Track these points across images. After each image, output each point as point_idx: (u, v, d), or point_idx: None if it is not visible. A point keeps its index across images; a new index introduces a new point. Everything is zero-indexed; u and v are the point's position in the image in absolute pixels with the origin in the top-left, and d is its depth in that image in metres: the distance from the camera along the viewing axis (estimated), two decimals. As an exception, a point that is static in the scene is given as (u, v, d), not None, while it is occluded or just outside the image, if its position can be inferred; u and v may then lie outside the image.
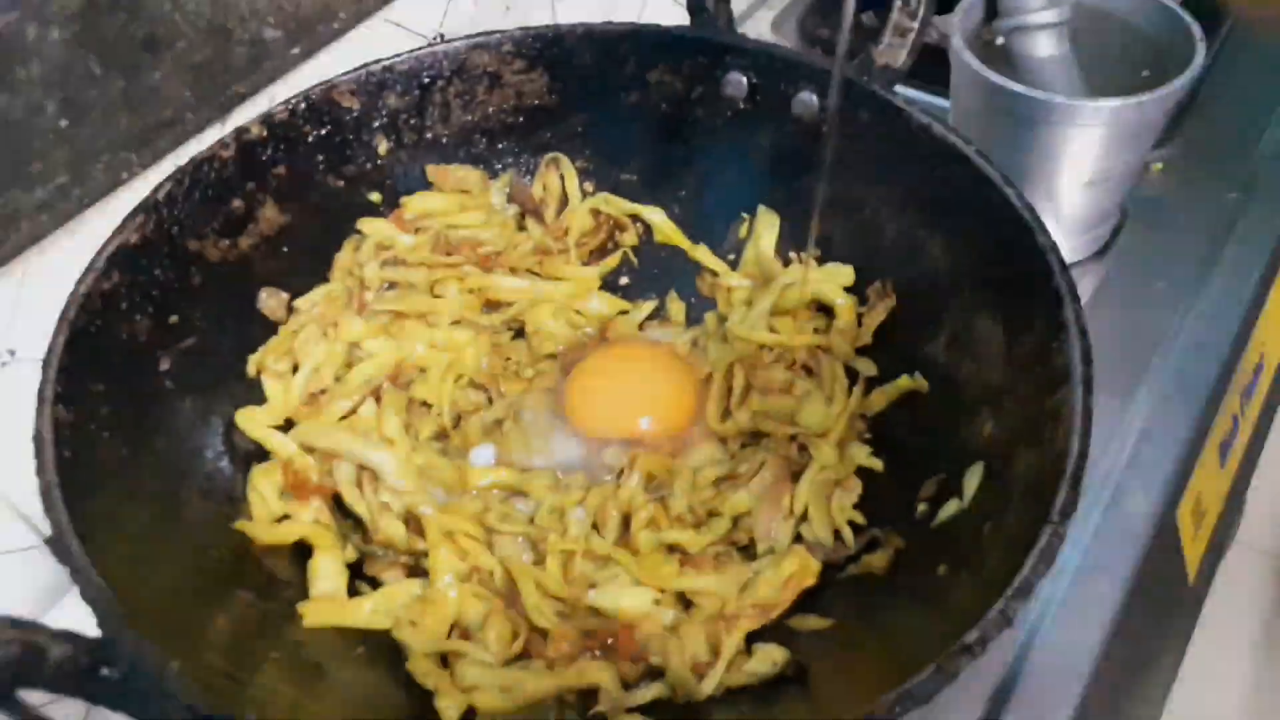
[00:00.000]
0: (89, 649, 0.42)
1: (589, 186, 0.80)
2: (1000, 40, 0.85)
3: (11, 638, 0.41)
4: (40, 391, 0.53)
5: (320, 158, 0.72)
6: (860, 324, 0.70)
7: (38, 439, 0.51)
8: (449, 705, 0.54)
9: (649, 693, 0.55)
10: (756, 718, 0.53)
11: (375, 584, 0.62)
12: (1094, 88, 0.85)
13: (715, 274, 0.78)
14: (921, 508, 0.60)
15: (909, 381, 0.66)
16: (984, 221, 0.62)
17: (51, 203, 0.72)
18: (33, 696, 0.41)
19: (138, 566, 0.50)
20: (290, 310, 0.70)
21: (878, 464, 0.65)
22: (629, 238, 0.80)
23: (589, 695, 0.55)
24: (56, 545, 0.46)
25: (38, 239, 0.72)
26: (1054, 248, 0.58)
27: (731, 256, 0.78)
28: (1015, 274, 0.60)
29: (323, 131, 0.71)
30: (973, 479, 0.57)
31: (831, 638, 0.57)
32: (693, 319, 0.79)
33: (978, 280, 0.63)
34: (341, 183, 0.73)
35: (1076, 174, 0.84)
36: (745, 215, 0.78)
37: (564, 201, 0.79)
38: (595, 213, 0.78)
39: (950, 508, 0.57)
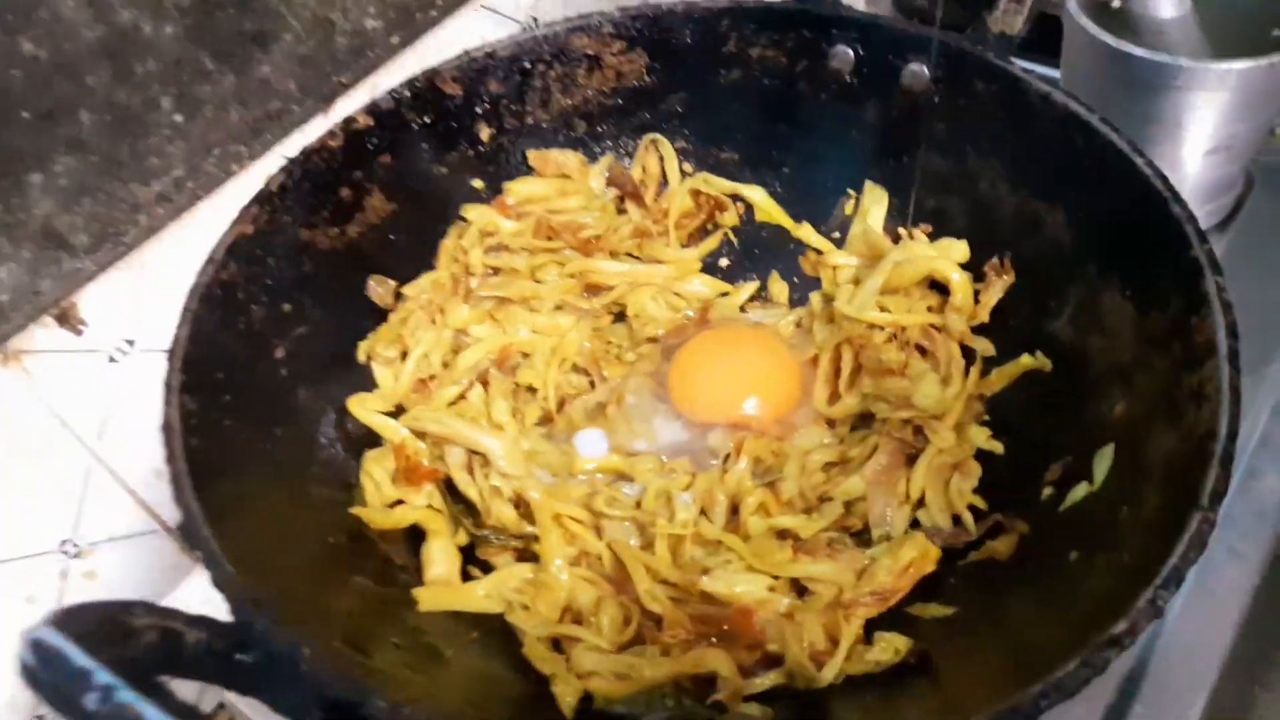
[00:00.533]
0: (224, 634, 0.43)
1: (688, 167, 0.78)
2: (1117, 3, 0.81)
3: (149, 624, 0.41)
4: (167, 381, 0.54)
5: (424, 145, 0.72)
6: (977, 301, 0.67)
7: (167, 427, 0.52)
8: (565, 691, 0.53)
9: (768, 680, 0.54)
10: (881, 706, 0.52)
11: (487, 568, 0.62)
12: (1217, 49, 0.80)
13: (820, 253, 0.76)
14: (1047, 491, 0.58)
15: (1030, 360, 0.63)
16: (1110, 192, 0.59)
17: (167, 195, 0.74)
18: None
19: (262, 552, 0.51)
20: (398, 297, 0.71)
21: (998, 446, 0.63)
22: (730, 218, 0.78)
23: (706, 683, 0.54)
24: (187, 532, 0.47)
25: (155, 231, 0.74)
26: (1190, 217, 0.55)
27: (836, 235, 0.77)
28: (1147, 246, 0.57)
29: (426, 119, 0.71)
30: (1103, 461, 0.55)
31: (955, 626, 0.55)
32: (797, 300, 0.78)
33: (1104, 254, 0.60)
34: (445, 170, 0.73)
35: (1198, 141, 0.80)
36: (851, 192, 0.76)
37: (663, 183, 0.78)
38: (695, 193, 0.77)
39: (1079, 491, 0.55)
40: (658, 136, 0.77)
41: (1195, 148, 0.79)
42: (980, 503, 0.61)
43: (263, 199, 0.63)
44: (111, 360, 0.72)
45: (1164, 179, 0.57)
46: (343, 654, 0.47)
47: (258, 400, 0.60)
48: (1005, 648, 0.51)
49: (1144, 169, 0.57)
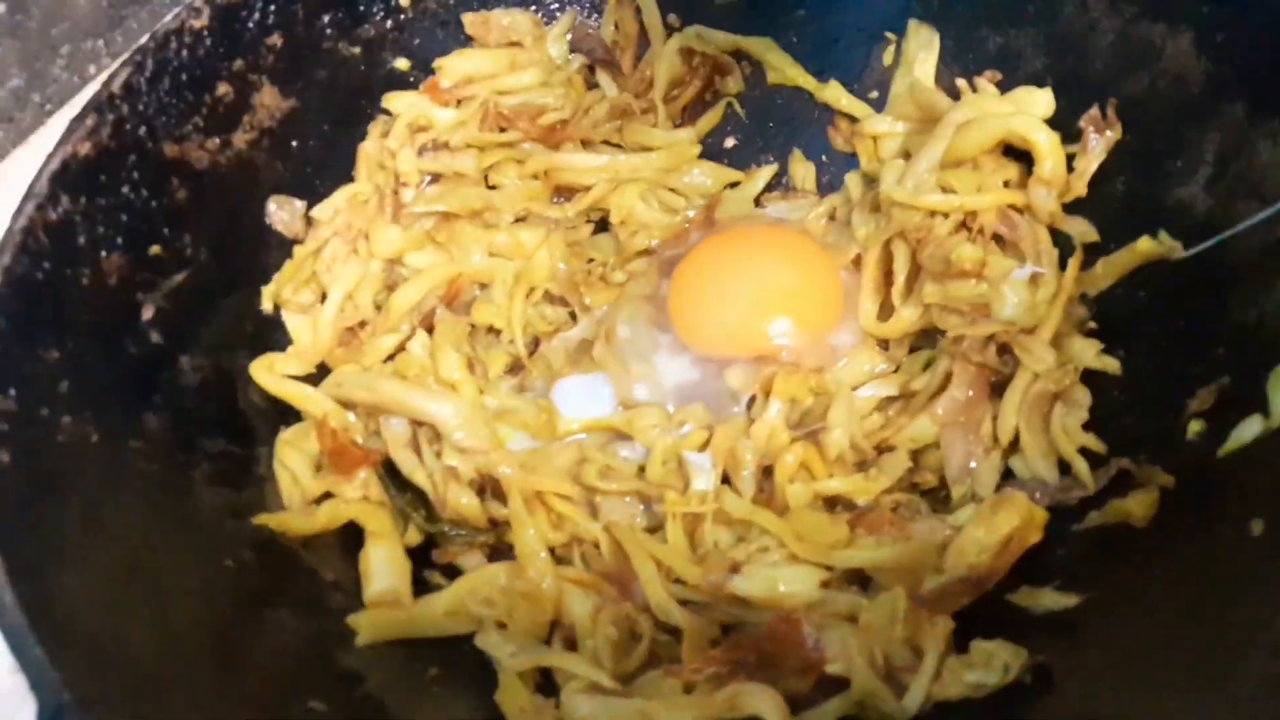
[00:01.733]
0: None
1: (674, 20, 0.62)
2: None
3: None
4: (-36, 373, 0.39)
5: (325, 19, 0.57)
6: (1071, 170, 0.51)
7: (-41, 441, 0.37)
8: None
9: (829, 712, 0.40)
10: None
11: (451, 573, 0.48)
12: None
13: (854, 120, 0.60)
14: (1195, 427, 0.43)
15: (1151, 244, 0.48)
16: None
17: (5, 113, 0.59)
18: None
19: (116, 606, 0.37)
20: (308, 222, 0.56)
21: (1114, 365, 0.48)
22: (733, 83, 0.62)
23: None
24: (-14, 598, 0.33)
25: (-7, 160, 0.58)
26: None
27: (875, 94, 0.61)
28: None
29: (324, -15, 0.55)
30: (1281, 384, 0.39)
31: (1081, 622, 0.41)
32: (828, 185, 0.62)
33: (1252, 89, 0.45)
34: (357, 49, 0.58)
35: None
36: (890, 35, 0.60)
37: (643, 43, 0.62)
38: (686, 53, 0.61)
39: (1250, 427, 0.41)
40: (632, -22, 0.60)
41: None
42: (1096, 444, 0.47)
43: (102, 106, 0.49)
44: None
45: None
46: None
47: (117, 382, 0.45)
48: (1158, 655, 0.37)
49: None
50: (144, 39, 0.51)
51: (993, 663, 0.40)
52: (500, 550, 0.49)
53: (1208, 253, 0.46)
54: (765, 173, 0.62)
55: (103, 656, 0.34)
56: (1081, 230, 0.51)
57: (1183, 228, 0.47)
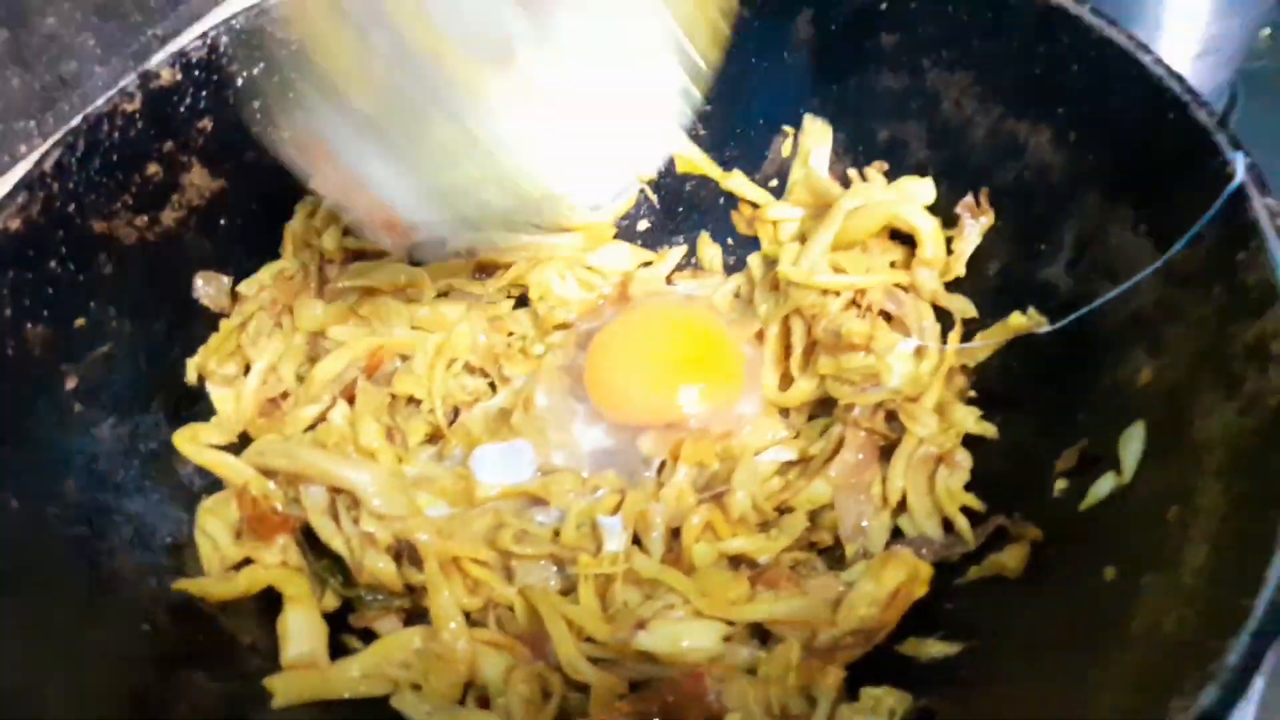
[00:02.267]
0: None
1: (591, 112, 0.65)
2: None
3: None
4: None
5: (255, 104, 0.58)
6: (950, 252, 0.55)
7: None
8: None
9: (728, 761, 0.42)
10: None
11: (368, 637, 0.49)
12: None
13: (756, 205, 0.64)
14: (1060, 485, 0.46)
15: (1022, 319, 0.51)
16: (1111, 101, 0.48)
17: (-66, 190, 0.59)
18: None
19: (30, 669, 0.37)
20: (234, 297, 0.58)
21: (990, 429, 0.51)
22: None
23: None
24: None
25: (-79, 237, 0.58)
26: (1222, 124, 0.43)
27: (774, 183, 0.64)
28: (1164, 164, 0.45)
29: (254, 71, 0.57)
30: (1132, 444, 0.43)
31: (962, 669, 0.43)
32: (733, 265, 0.65)
33: (1108, 178, 0.49)
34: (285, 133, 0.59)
35: (1186, 43, 0.68)
36: (787, 129, 0.63)
37: (562, 133, 0.65)
38: (601, 144, 0.64)
39: (1105, 484, 0.44)
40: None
41: (1183, 51, 0.68)
42: (976, 503, 0.49)
43: (32, 184, 0.50)
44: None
45: (1180, 79, 0.46)
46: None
47: (35, 451, 0.46)
48: (1031, 694, 0.40)
49: (1153, 68, 0.46)
50: (76, 120, 0.52)
51: (879, 708, 0.42)
52: (416, 614, 0.50)
53: (1070, 327, 0.50)
54: (675, 253, 0.65)
55: (16, 716, 0.34)
56: (960, 306, 0.55)
57: (1049, 305, 0.51)
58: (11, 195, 0.48)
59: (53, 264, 0.50)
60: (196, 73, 0.56)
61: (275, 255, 0.59)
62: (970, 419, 0.51)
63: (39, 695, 0.36)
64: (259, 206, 0.59)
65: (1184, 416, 0.41)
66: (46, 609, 0.41)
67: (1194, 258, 0.43)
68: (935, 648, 0.45)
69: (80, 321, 0.50)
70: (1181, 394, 0.42)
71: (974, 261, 0.55)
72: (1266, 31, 0.85)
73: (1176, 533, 0.38)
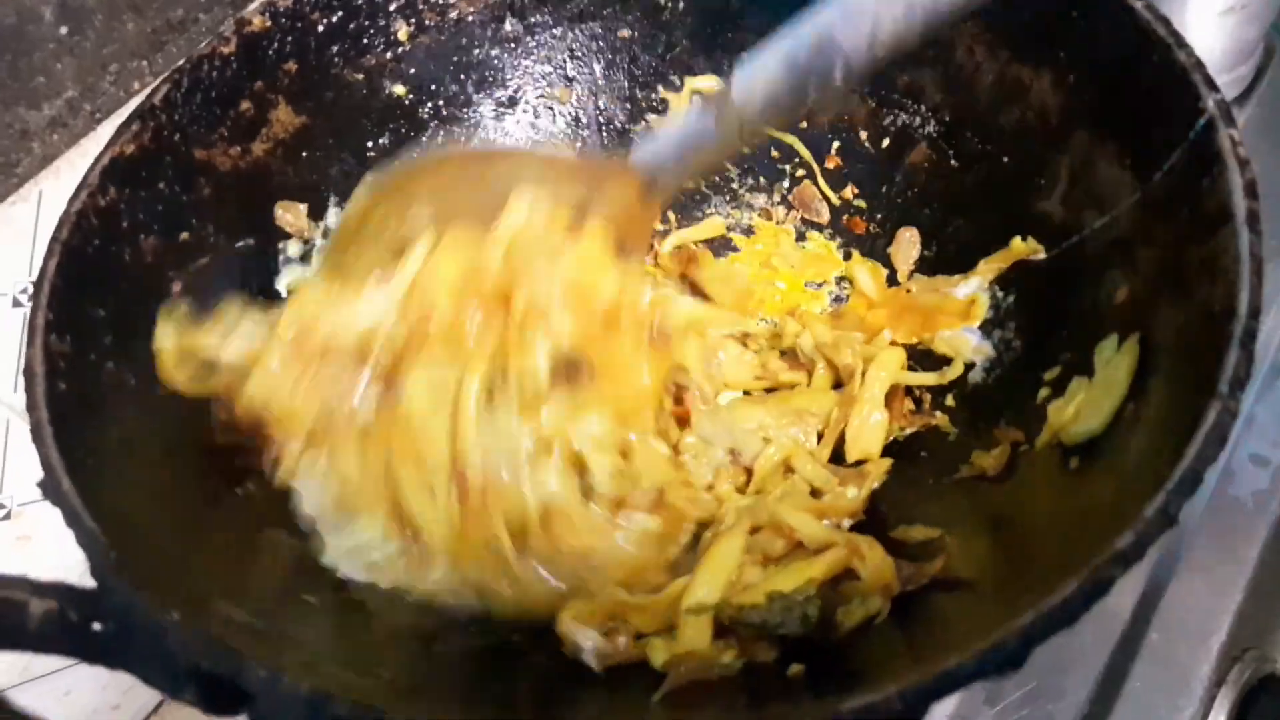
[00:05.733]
0: (79, 602, 0.37)
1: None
2: None
3: (-17, 595, 0.36)
4: (31, 319, 0.47)
5: (334, 49, 0.64)
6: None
7: (28, 372, 0.46)
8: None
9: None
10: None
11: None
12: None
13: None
14: (1043, 393, 0.51)
15: (1022, 245, 0.56)
16: (1103, 45, 0.52)
17: (61, 119, 0.67)
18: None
19: (147, 507, 0.45)
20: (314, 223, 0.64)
21: (986, 350, 0.56)
22: None
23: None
24: (47, 486, 0.41)
25: (50, 159, 0.67)
26: (1198, 64, 0.47)
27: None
28: (1145, 103, 0.50)
29: (334, 19, 0.64)
30: (1105, 354, 0.48)
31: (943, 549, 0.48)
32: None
33: (1096, 117, 0.53)
34: (360, 76, 0.66)
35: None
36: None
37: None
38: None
39: (1077, 387, 0.48)
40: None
41: (1208, 6, 0.71)
42: None
43: (145, 114, 0.56)
44: (15, 304, 0.66)
45: (1166, 22, 0.49)
46: (232, 620, 0.41)
47: (149, 341, 0.53)
48: (1003, 574, 0.45)
49: (1141, 12, 0.50)
50: (181, 61, 0.59)
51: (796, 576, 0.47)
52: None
53: (1060, 255, 0.55)
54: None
55: (136, 531, 0.42)
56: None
57: (1044, 234, 0.56)
58: (127, 124, 0.55)
59: (161, 185, 0.56)
60: (284, 20, 0.61)
61: (350, 187, 0.65)
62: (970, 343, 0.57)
63: (152, 521, 0.44)
64: (335, 141, 0.65)
65: (1145, 326, 0.46)
66: (154, 467, 0.49)
67: (1167, 185, 0.47)
68: (920, 532, 0.50)
69: (184, 235, 0.57)
70: (1146, 308, 0.46)
71: (977, 196, 0.60)
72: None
73: (1129, 425, 0.43)
